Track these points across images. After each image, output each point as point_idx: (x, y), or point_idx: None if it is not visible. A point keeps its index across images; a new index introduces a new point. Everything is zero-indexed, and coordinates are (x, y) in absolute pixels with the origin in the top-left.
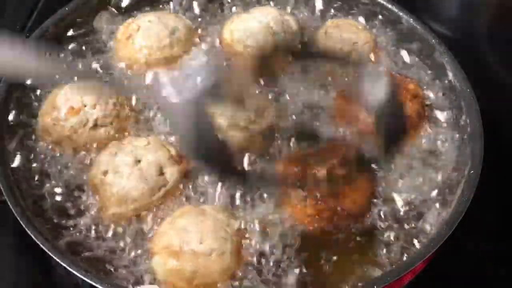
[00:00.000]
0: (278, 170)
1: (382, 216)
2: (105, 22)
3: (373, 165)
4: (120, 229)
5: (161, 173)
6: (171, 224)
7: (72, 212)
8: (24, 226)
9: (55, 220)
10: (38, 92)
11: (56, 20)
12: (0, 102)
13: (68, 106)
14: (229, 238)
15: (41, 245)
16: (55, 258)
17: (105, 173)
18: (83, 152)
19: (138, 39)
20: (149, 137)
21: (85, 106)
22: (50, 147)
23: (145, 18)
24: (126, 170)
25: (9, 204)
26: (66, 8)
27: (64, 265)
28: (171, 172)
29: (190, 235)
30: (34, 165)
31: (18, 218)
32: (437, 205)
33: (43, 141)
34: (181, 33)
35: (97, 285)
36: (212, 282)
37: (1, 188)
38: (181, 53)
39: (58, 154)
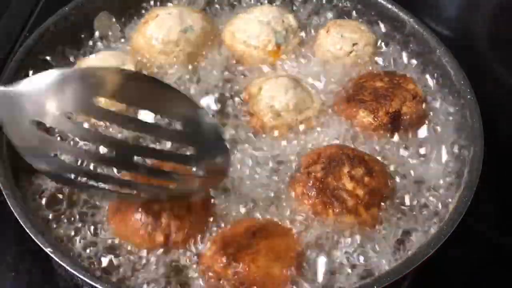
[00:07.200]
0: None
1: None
2: (105, 22)
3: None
4: None
5: None
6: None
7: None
8: (24, 226)
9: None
10: None
11: (56, 20)
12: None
13: None
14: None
15: (41, 245)
16: (55, 258)
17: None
18: None
19: (151, 26)
20: None
21: None
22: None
23: (168, 9)
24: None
25: (9, 204)
26: (66, 8)
27: (64, 265)
28: None
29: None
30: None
31: (18, 218)
32: (437, 205)
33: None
34: (194, 34)
35: (97, 285)
36: None
37: (1, 188)
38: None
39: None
